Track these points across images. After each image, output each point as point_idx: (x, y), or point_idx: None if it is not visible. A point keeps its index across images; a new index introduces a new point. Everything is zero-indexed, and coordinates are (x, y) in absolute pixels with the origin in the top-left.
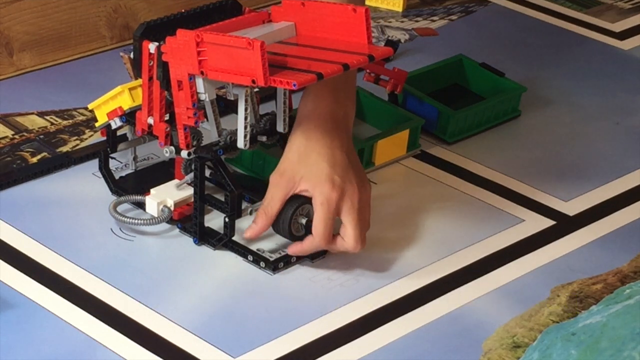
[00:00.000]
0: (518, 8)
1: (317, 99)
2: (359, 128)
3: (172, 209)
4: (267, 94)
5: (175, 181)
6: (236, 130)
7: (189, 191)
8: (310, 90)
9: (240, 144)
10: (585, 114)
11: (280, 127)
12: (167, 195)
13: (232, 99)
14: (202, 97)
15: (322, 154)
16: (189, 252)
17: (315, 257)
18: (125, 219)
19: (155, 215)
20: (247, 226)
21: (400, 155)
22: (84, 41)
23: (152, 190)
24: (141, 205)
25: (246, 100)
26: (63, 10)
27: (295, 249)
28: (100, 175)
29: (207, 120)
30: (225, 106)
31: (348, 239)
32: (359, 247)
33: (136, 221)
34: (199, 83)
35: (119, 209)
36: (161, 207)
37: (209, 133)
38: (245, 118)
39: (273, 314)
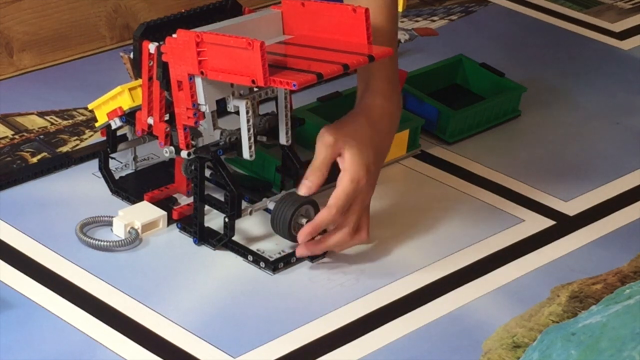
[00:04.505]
0: (518, 8)
1: (384, 97)
2: None
3: (139, 230)
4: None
5: (145, 202)
6: (236, 130)
7: (158, 213)
8: (379, 87)
9: (246, 154)
10: (585, 114)
11: (282, 139)
12: (134, 217)
13: (233, 111)
14: (203, 108)
15: (373, 141)
16: (189, 252)
17: (315, 258)
18: (91, 241)
19: (122, 237)
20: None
21: (400, 155)
22: (84, 41)
23: (120, 212)
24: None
25: (247, 112)
26: (63, 10)
27: (307, 229)
28: (100, 175)
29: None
30: (225, 106)
31: (364, 230)
32: (369, 238)
33: (102, 243)
34: (200, 94)
35: (87, 228)
36: (128, 229)
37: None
38: (249, 130)
39: (273, 314)
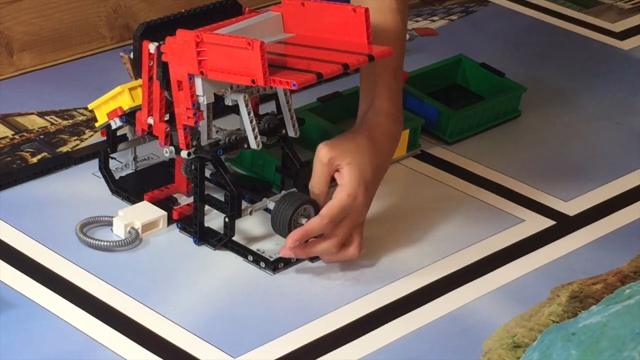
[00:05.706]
0: (518, 8)
1: (387, 117)
2: None
3: (139, 230)
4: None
5: (145, 202)
6: (236, 130)
7: (158, 213)
8: (384, 107)
9: (253, 144)
10: (585, 114)
11: (291, 132)
12: (134, 217)
13: (231, 104)
14: (201, 99)
15: (373, 160)
16: (189, 252)
17: (315, 258)
18: (91, 241)
19: (122, 237)
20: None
21: (400, 155)
22: (84, 41)
23: (120, 212)
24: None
25: (246, 105)
26: (63, 10)
27: (296, 234)
28: (100, 175)
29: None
30: (225, 106)
31: (354, 246)
32: (359, 254)
33: (102, 243)
34: (198, 85)
35: (87, 228)
36: (128, 229)
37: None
38: (251, 121)
39: (273, 314)
